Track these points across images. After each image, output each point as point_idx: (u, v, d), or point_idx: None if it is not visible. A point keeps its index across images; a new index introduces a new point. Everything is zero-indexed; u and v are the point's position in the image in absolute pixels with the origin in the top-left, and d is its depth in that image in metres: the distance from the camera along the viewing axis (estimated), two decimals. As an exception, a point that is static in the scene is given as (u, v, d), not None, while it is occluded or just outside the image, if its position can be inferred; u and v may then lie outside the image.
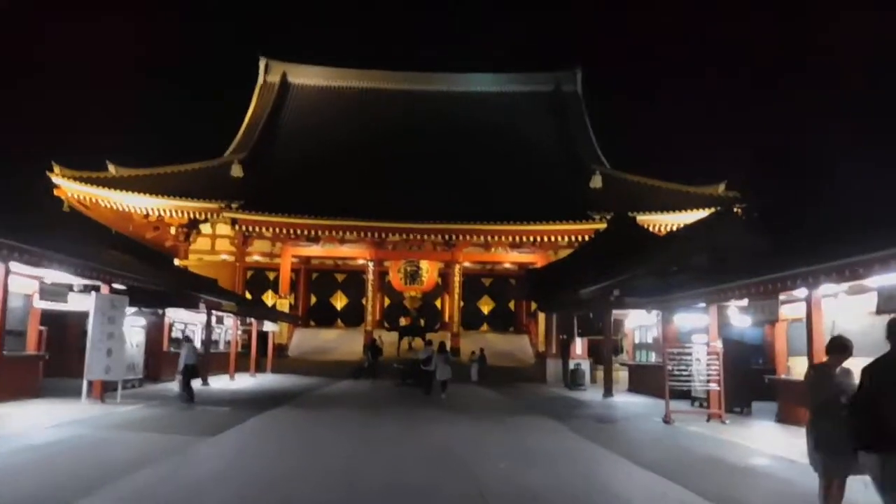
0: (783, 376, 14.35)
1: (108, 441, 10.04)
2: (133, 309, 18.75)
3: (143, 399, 15.80)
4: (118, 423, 11.84)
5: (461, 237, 35.75)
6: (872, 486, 4.65)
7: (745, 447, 10.85)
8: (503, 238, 35.93)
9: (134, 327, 19.23)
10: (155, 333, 20.66)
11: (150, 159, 38.47)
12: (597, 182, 38.52)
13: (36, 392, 14.87)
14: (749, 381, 16.10)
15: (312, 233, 35.68)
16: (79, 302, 15.19)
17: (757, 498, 7.61)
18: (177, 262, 35.35)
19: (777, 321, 12.63)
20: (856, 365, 5.68)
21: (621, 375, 24.51)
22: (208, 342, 23.94)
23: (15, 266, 12.45)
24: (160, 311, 21.02)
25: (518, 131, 43.00)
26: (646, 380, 23.08)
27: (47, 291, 14.16)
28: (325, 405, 17.24)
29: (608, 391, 21.30)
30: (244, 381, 24.43)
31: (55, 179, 34.74)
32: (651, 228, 32.18)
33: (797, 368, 14.00)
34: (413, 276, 37.41)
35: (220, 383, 22.59)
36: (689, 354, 14.94)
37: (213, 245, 39.36)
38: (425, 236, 36.13)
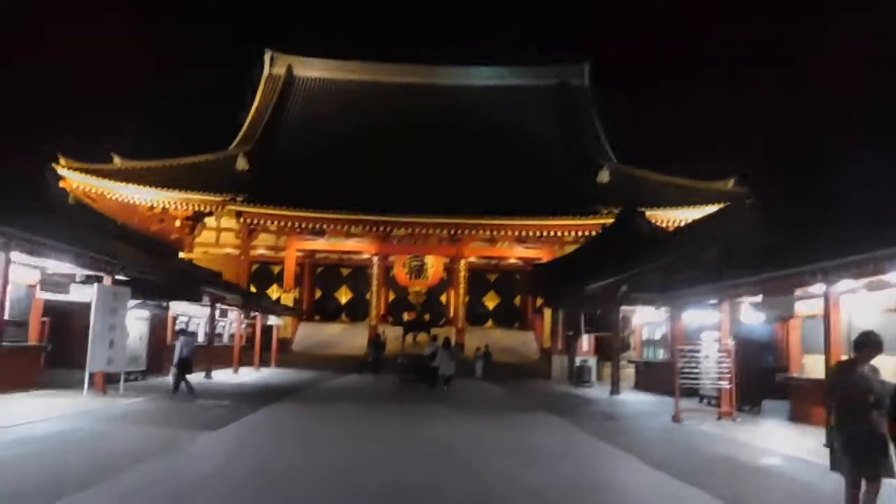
0: (796, 374, 14.07)
1: (107, 434, 9.86)
2: (136, 301, 18.64)
3: (146, 392, 15.65)
4: (119, 416, 11.67)
5: (466, 231, 35.53)
6: None
7: (758, 447, 10.59)
8: (509, 232, 35.68)
9: (137, 319, 19.11)
10: (158, 326, 20.51)
11: (156, 152, 38.44)
12: (604, 177, 38.22)
13: (38, 383, 14.72)
14: (759, 379, 15.82)
15: (317, 226, 35.50)
16: (81, 293, 15.03)
17: (775, 501, 7.35)
18: (182, 254, 35.18)
19: (792, 317, 12.35)
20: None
21: (628, 372, 24.24)
22: (212, 335, 23.78)
23: (17, 256, 12.30)
24: (164, 304, 20.84)
25: (525, 125, 42.66)
26: (653, 377, 22.80)
27: (49, 282, 14.00)
28: (327, 400, 17.06)
29: (615, 388, 21.03)
30: (248, 375, 24.29)
31: (61, 171, 34.62)
32: (659, 224, 31.87)
33: (811, 366, 13.72)
34: (418, 270, 37.23)
35: (223, 377, 22.44)
36: (700, 352, 14.67)
37: (218, 238, 39.28)
38: (430, 230, 35.92)
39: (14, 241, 11.28)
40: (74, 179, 34.93)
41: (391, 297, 41.61)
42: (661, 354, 23.05)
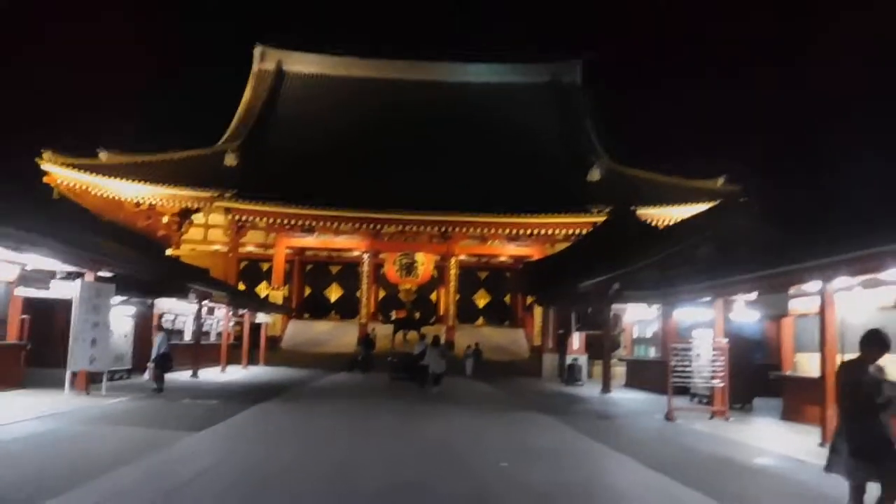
0: (789, 372, 13.95)
1: (86, 436, 9.57)
2: (121, 298, 18.28)
3: (130, 391, 15.31)
4: (100, 417, 11.37)
5: (457, 229, 35.32)
6: None
7: (752, 446, 10.45)
8: (500, 230, 35.52)
9: (122, 317, 18.76)
10: (144, 323, 20.14)
11: (143, 147, 37.94)
12: (595, 175, 38.13)
13: (18, 382, 14.37)
14: (750, 377, 15.72)
15: (307, 223, 35.18)
16: (62, 289, 14.69)
17: (772, 502, 7.17)
18: (169, 251, 34.79)
19: (787, 315, 12.21)
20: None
21: (619, 371, 24.12)
22: (199, 333, 23.44)
23: (-5, 252, 11.97)
24: (149, 301, 20.50)
25: (517, 122, 42.45)
26: (644, 375, 22.70)
27: (28, 278, 13.64)
28: (317, 399, 16.79)
29: (606, 387, 20.89)
30: (235, 374, 23.97)
31: (45, 166, 34.14)
32: (650, 222, 31.80)
33: (804, 365, 13.60)
34: (409, 268, 36.98)
35: (210, 375, 22.12)
36: (693, 350, 14.53)
37: (206, 235, 38.84)
38: (421, 228, 35.70)
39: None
40: (59, 174, 34.38)
41: (381, 294, 41.35)
42: (653, 352, 22.95)
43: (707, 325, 16.37)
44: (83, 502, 6.00)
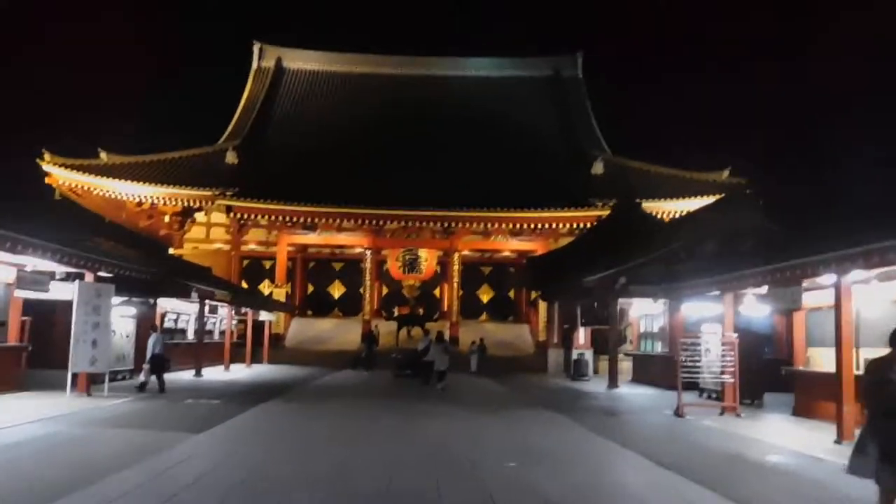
0: (801, 368, 13.71)
1: (85, 439, 9.38)
2: (122, 298, 18.10)
3: (132, 392, 15.16)
4: (101, 419, 11.19)
5: (460, 224, 35.04)
6: None
7: (766, 443, 10.23)
8: (503, 225, 35.21)
9: (123, 317, 18.59)
10: (145, 324, 19.93)
11: (143, 147, 37.74)
12: (598, 168, 37.79)
13: (20, 385, 14.22)
14: (760, 372, 15.50)
15: (309, 220, 34.94)
16: (61, 291, 14.50)
17: (789, 502, 6.92)
18: (171, 251, 34.61)
19: (799, 309, 11.97)
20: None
21: (625, 366, 23.91)
22: (201, 332, 23.26)
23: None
24: (151, 301, 20.32)
25: (518, 117, 42.13)
26: (651, 370, 22.51)
27: (26, 280, 13.44)
28: (320, 398, 16.60)
29: (613, 382, 20.68)
30: (239, 373, 23.81)
31: (45, 167, 33.97)
32: (654, 215, 31.50)
33: (817, 360, 13.37)
34: (411, 264, 36.70)
35: (213, 374, 21.96)
36: (702, 345, 14.31)
37: (208, 233, 38.66)
38: (424, 223, 35.42)
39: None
40: (60, 175, 34.21)
41: (385, 291, 41.11)
42: (659, 347, 22.74)
43: (715, 319, 16.16)
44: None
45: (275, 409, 13.82)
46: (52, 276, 14.19)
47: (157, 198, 35.02)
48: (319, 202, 33.74)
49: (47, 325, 15.99)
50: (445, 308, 38.68)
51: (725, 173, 37.30)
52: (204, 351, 22.81)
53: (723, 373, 13.81)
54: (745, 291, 13.73)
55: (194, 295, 20.68)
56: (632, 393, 19.45)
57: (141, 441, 9.26)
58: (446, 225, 35.24)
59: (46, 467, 7.52)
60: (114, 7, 61.84)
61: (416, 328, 33.29)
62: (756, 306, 14.23)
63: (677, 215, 32.08)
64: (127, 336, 18.20)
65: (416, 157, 35.49)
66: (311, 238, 37.11)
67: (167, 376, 16.14)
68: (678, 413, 13.52)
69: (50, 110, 54.84)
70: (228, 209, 34.23)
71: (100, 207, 33.09)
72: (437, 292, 41.09)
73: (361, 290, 37.35)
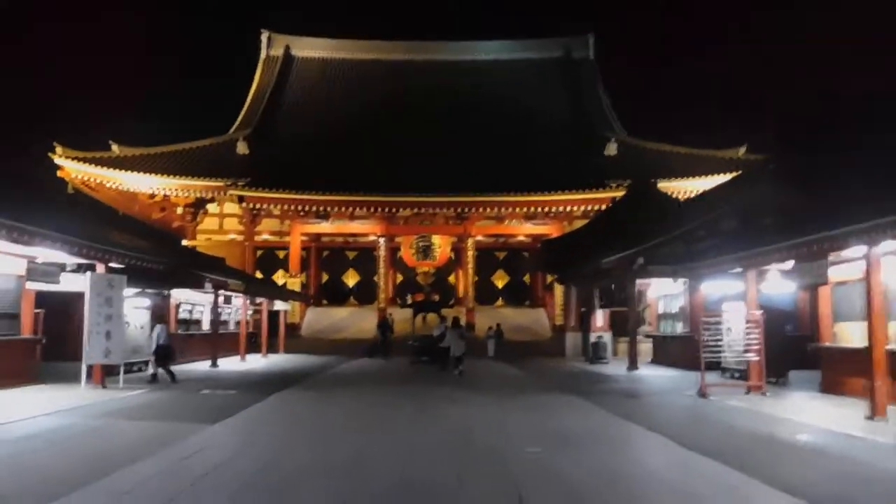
0: (828, 344, 13.32)
1: (100, 431, 9.24)
2: (136, 290, 18.01)
3: (147, 383, 15.08)
4: (115, 411, 11.06)
5: (474, 209, 34.73)
6: None
7: (796, 422, 9.89)
8: (517, 209, 34.84)
9: (137, 308, 18.51)
10: (161, 315, 19.88)
11: (154, 138, 37.68)
12: (612, 150, 37.30)
13: (35, 377, 14.18)
14: (784, 349, 15.11)
15: (321, 209, 34.78)
16: (74, 283, 14.39)
17: (833, 483, 6.56)
18: (185, 242, 34.60)
19: (825, 284, 11.58)
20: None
21: (644, 347, 23.55)
22: (216, 322, 23.20)
23: (4, 246, 11.66)
24: (165, 292, 20.25)
25: (529, 100, 41.63)
26: (671, 351, 22.17)
27: (37, 271, 13.33)
28: (336, 386, 16.43)
29: (633, 364, 20.37)
30: (255, 363, 23.74)
31: (58, 161, 34.03)
32: (670, 195, 30.97)
33: (844, 335, 12.97)
34: (425, 251, 36.47)
35: (229, 365, 21.89)
36: (724, 323, 13.95)
37: (222, 224, 38.64)
38: (437, 209, 35.16)
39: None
40: (72, 168, 34.26)
41: (399, 278, 40.95)
42: (679, 328, 22.36)
43: (736, 297, 15.77)
44: (93, 501, 5.64)
45: (291, 398, 13.66)
46: (62, 267, 14.08)
47: (170, 189, 35.00)
48: (331, 190, 33.55)
49: (61, 317, 15.95)
50: (461, 294, 38.47)
51: (742, 150, 36.69)
52: (219, 341, 22.75)
53: (747, 351, 13.45)
54: (769, 268, 13.32)
55: (207, 285, 20.58)
56: (652, 374, 19.13)
57: (156, 432, 9.11)
58: (459, 210, 34.94)
59: (61, 460, 7.38)
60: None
61: (431, 315, 33.10)
62: (780, 282, 13.82)
63: (693, 194, 31.52)
64: (141, 327, 18.10)
65: (427, 143, 35.15)
66: (325, 227, 36.97)
67: (179, 367, 16.05)
68: (702, 394, 13.20)
69: (58, 104, 54.99)
70: (241, 199, 34.13)
71: (113, 200, 33.08)
72: (451, 279, 40.88)
73: (376, 278, 37.21)
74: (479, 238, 37.40)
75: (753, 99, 63.97)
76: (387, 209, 34.71)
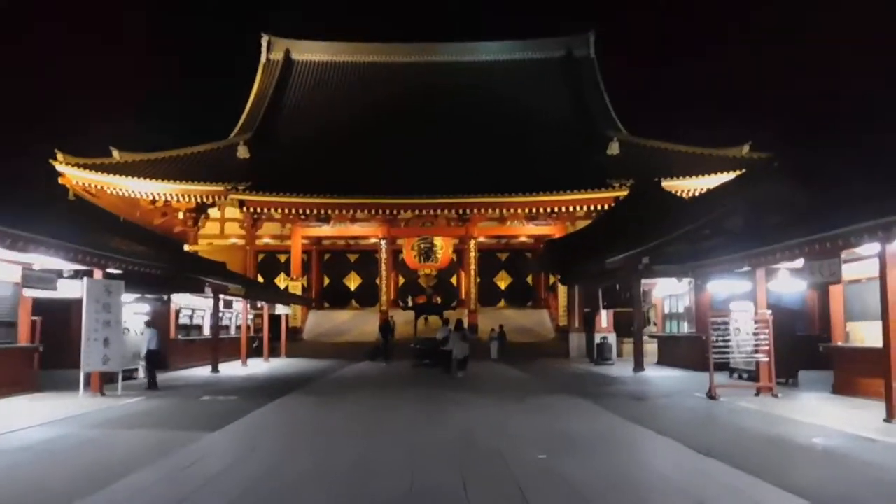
0: (840, 343, 13.07)
1: (97, 441, 9.02)
2: (135, 295, 17.82)
3: (145, 389, 14.86)
4: (113, 419, 10.85)
5: (475, 211, 34.51)
6: None
7: (810, 424, 9.64)
8: (519, 210, 34.61)
9: (137, 314, 18.33)
10: (160, 320, 19.68)
11: (154, 139, 37.59)
12: (614, 149, 37.05)
13: (33, 385, 13.96)
14: (793, 349, 14.86)
15: (322, 212, 34.60)
16: (71, 289, 14.18)
17: (853, 489, 6.28)
18: (187, 247, 34.43)
19: (838, 282, 11.33)
20: None
21: (649, 348, 23.31)
22: (217, 327, 22.98)
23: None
24: (164, 297, 20.05)
25: (530, 100, 41.41)
26: (677, 352, 21.93)
27: (33, 278, 13.12)
28: (338, 390, 16.20)
29: (639, 365, 20.14)
30: (257, 367, 23.51)
31: (59, 167, 33.90)
32: (675, 194, 30.72)
33: (858, 334, 12.72)
34: (427, 253, 36.25)
35: (231, 370, 21.68)
36: (732, 323, 13.70)
37: (223, 229, 38.48)
38: (438, 211, 34.96)
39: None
40: (73, 175, 34.13)
41: (401, 281, 40.76)
42: (685, 328, 22.13)
43: (744, 297, 15.53)
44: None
45: (292, 403, 13.44)
46: (59, 274, 13.87)
47: (171, 194, 34.85)
48: (332, 193, 33.37)
49: (59, 324, 15.71)
50: (463, 296, 38.24)
51: (745, 148, 36.44)
52: (220, 346, 22.53)
53: (756, 351, 13.21)
54: (778, 266, 13.07)
55: (207, 290, 20.37)
56: (659, 376, 18.88)
57: (154, 441, 8.89)
58: (461, 212, 34.73)
59: (58, 471, 7.17)
60: (119, 2, 61.61)
61: (433, 317, 32.85)
62: (789, 281, 13.58)
63: (698, 193, 31.29)
64: (141, 333, 17.90)
65: (428, 145, 34.92)
66: (326, 230, 36.79)
67: (180, 373, 15.86)
68: (711, 395, 12.96)
69: (57, 109, 54.89)
70: (241, 203, 33.93)
71: (115, 206, 32.98)
72: (453, 280, 40.67)
73: (377, 281, 37.00)
74: (482, 239, 37.18)
75: (754, 98, 63.67)
76: (388, 211, 34.51)
